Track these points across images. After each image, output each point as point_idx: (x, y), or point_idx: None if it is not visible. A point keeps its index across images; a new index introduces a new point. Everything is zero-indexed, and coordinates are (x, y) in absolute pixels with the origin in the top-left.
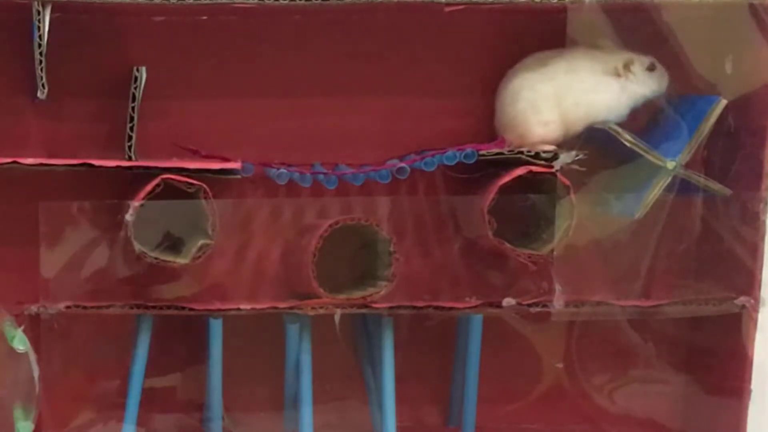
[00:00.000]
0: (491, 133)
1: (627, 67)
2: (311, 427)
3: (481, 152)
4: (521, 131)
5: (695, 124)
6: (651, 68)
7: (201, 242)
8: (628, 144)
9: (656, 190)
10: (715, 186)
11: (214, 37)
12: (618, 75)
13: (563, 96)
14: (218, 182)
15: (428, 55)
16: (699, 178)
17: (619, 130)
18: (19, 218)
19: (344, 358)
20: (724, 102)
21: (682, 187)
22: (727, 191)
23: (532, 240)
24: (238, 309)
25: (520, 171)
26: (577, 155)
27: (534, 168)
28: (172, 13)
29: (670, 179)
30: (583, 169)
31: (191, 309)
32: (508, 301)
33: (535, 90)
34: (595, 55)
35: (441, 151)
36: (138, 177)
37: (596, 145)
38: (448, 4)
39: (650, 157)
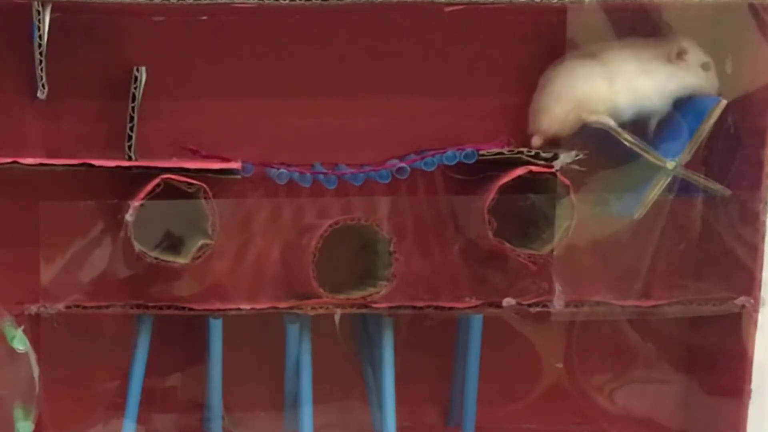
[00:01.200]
0: (491, 133)
1: (680, 55)
2: (311, 427)
3: (481, 152)
4: (564, 117)
5: (695, 124)
6: (705, 67)
7: (201, 242)
8: (627, 144)
9: (656, 190)
10: (715, 186)
11: (214, 37)
12: (668, 61)
13: (613, 80)
14: (218, 182)
15: (428, 55)
16: (699, 178)
17: (619, 129)
18: (19, 218)
19: (344, 358)
20: (724, 102)
21: (682, 187)
22: (727, 191)
23: (532, 240)
24: (238, 309)
25: (520, 171)
26: (577, 155)
27: (534, 168)
28: (172, 13)
29: (669, 179)
30: (584, 169)
31: (191, 309)
32: (508, 301)
33: (591, 82)
34: (653, 41)
35: (441, 151)
36: (138, 177)
37: (596, 144)
38: (448, 4)
39: (650, 157)
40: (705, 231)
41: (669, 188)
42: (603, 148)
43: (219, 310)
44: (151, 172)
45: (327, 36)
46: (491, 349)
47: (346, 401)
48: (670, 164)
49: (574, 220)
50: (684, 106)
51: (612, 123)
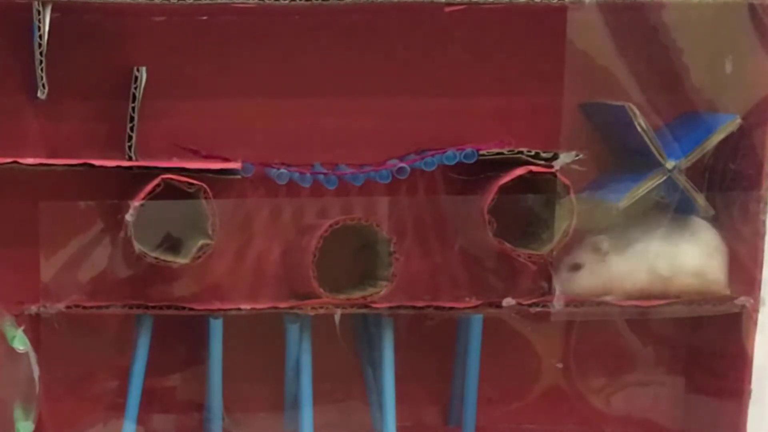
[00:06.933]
0: (491, 133)
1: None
2: (311, 427)
3: (481, 152)
4: None
5: (704, 135)
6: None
7: (201, 242)
8: (639, 129)
9: (647, 185)
10: (702, 201)
11: (214, 37)
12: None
13: None
14: (218, 182)
15: (428, 55)
16: (689, 188)
17: (637, 112)
18: (19, 218)
19: (344, 358)
20: (738, 121)
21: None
22: (711, 211)
23: (532, 240)
24: (238, 309)
25: (520, 171)
26: (576, 155)
27: (534, 168)
28: (172, 13)
29: (664, 178)
30: (584, 169)
31: (191, 309)
32: (508, 301)
33: None
34: None
35: (441, 151)
36: (138, 177)
37: (609, 125)
38: (448, 4)
39: (654, 150)
40: None
41: (673, 191)
42: (614, 130)
43: (219, 310)
44: (151, 172)
45: (327, 36)
46: (491, 349)
47: (346, 401)
48: (670, 164)
49: (574, 220)
50: (700, 118)
51: (637, 111)
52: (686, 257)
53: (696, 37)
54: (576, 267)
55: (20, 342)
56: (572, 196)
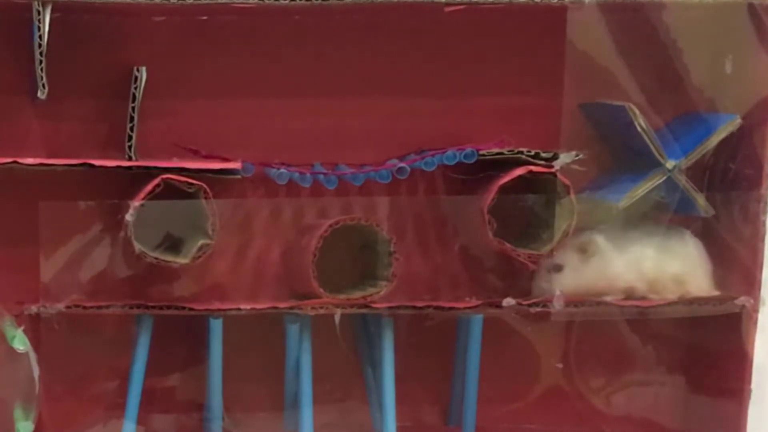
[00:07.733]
0: (491, 133)
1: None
2: (311, 427)
3: (481, 152)
4: None
5: (704, 135)
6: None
7: (201, 242)
8: (639, 129)
9: (647, 185)
10: (702, 201)
11: (214, 37)
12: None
13: None
14: (218, 182)
15: (429, 55)
16: (689, 188)
17: (637, 112)
18: (19, 218)
19: (344, 358)
20: (739, 121)
21: (681, 203)
22: (711, 211)
23: (532, 240)
24: (238, 309)
25: (520, 171)
26: (576, 155)
27: (534, 168)
28: (172, 13)
29: (664, 178)
30: (584, 169)
31: (191, 309)
32: (508, 301)
33: None
34: None
35: (441, 151)
36: (138, 177)
37: (609, 124)
38: (448, 4)
39: (654, 150)
40: (705, 231)
41: (673, 191)
42: (614, 130)
43: (219, 310)
44: (151, 172)
45: (327, 36)
46: (491, 349)
47: (346, 401)
48: (670, 164)
49: (574, 220)
50: (700, 118)
51: (637, 111)
52: (670, 269)
53: (696, 37)
54: (557, 268)
55: (20, 342)
56: (572, 196)
